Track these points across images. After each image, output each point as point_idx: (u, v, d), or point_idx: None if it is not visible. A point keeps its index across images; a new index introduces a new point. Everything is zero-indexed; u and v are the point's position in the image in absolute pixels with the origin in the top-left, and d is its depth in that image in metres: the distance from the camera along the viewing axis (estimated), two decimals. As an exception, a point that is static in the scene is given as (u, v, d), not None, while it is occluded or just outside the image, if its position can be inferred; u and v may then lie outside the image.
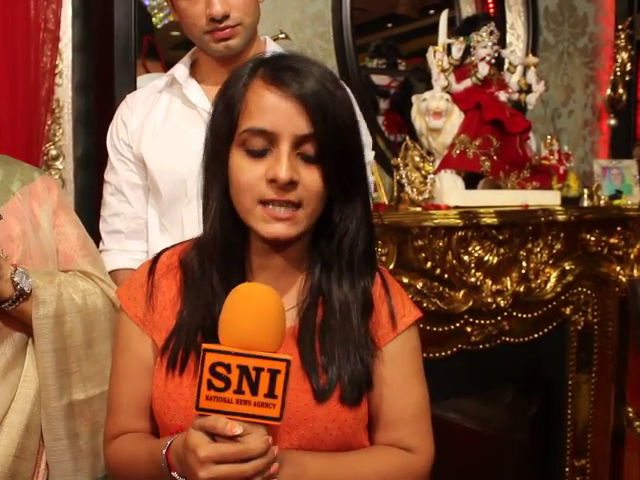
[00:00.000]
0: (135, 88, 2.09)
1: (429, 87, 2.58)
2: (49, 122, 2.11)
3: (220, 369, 0.92)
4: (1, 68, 1.93)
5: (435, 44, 2.55)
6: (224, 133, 1.08)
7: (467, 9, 3.05)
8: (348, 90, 1.14)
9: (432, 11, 3.31)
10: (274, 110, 1.04)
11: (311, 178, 1.05)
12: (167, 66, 2.39)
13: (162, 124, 1.69)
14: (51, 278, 1.28)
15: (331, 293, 1.14)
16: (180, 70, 1.72)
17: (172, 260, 1.19)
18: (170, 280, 1.17)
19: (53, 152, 2.19)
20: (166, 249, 1.23)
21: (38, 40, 2.04)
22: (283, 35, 2.22)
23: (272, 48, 1.69)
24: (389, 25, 3.26)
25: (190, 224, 1.63)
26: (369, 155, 1.65)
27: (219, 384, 0.92)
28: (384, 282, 1.19)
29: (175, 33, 2.58)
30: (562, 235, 2.67)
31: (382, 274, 1.21)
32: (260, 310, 0.94)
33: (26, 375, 1.27)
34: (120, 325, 1.19)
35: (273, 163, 1.04)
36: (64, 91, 2.18)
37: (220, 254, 1.11)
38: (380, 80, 3.04)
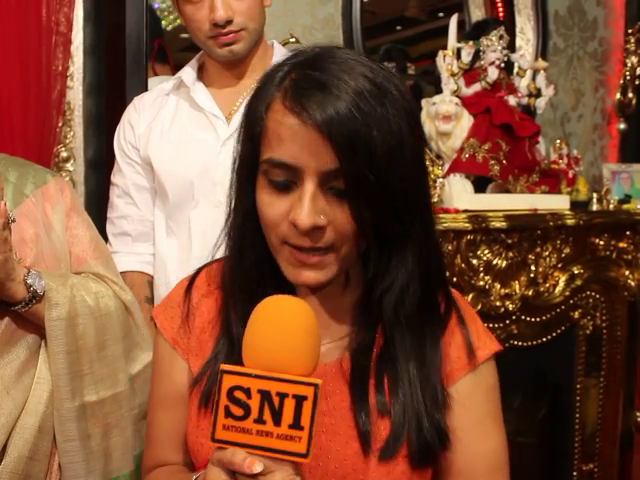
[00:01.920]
0: (146, 91, 2.10)
1: (438, 90, 2.58)
2: (60, 124, 2.13)
3: (239, 394, 0.79)
4: (14, 71, 1.95)
5: (444, 47, 2.55)
6: (248, 159, 0.93)
7: (476, 13, 3.05)
8: (402, 98, 0.89)
9: (441, 14, 3.31)
10: (294, 140, 0.85)
11: (343, 216, 0.87)
12: (175, 69, 2.42)
13: (169, 127, 1.70)
14: (64, 280, 1.28)
15: (391, 324, 0.95)
16: (187, 73, 1.73)
17: (214, 279, 1.05)
18: (210, 300, 1.04)
19: (64, 154, 2.21)
20: (208, 263, 1.09)
21: (50, 43, 2.06)
22: (293, 39, 2.24)
23: (280, 53, 1.70)
24: (398, 28, 3.27)
25: (197, 226, 1.64)
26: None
27: (238, 412, 0.79)
28: (457, 311, 1.00)
29: (184, 35, 2.59)
30: (571, 239, 2.66)
31: (453, 298, 1.02)
32: (286, 324, 0.79)
33: (39, 377, 1.27)
34: (157, 347, 1.09)
35: (296, 203, 0.87)
36: (75, 93, 2.20)
37: (248, 278, 0.97)
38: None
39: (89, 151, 2.25)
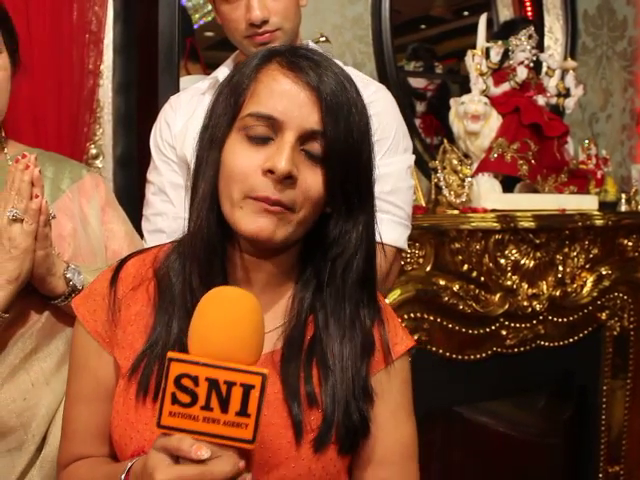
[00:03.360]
0: (178, 89, 2.13)
1: (462, 89, 2.58)
2: (89, 121, 2.15)
3: (186, 382, 0.80)
4: (49, 69, 1.98)
5: (468, 46, 2.56)
6: (226, 116, 0.96)
7: (504, 12, 3.05)
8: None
9: (466, 13, 3.31)
10: (285, 96, 0.92)
11: (312, 179, 0.93)
12: (207, 68, 2.44)
13: (206, 126, 1.72)
14: None
15: (323, 316, 1.00)
16: (223, 73, 1.74)
17: (142, 270, 1.05)
18: (138, 292, 1.04)
19: (93, 151, 2.23)
20: (129, 256, 1.10)
21: (83, 41, 2.08)
22: (324, 38, 2.24)
23: (315, 52, 1.72)
24: (422, 27, 3.27)
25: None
26: (409, 159, 1.65)
27: (185, 399, 0.80)
28: (379, 311, 1.06)
29: (209, 34, 2.62)
30: (599, 240, 2.66)
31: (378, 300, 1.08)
32: (234, 316, 0.82)
33: None
34: (77, 340, 1.07)
35: (273, 153, 0.92)
36: (104, 91, 2.22)
37: (203, 251, 0.97)
38: (417, 83, 3.05)
39: (118, 148, 2.27)
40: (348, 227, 0.99)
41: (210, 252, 0.98)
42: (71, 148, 2.04)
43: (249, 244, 0.98)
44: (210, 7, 2.64)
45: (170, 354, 0.81)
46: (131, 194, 2.15)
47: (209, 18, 2.65)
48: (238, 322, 0.82)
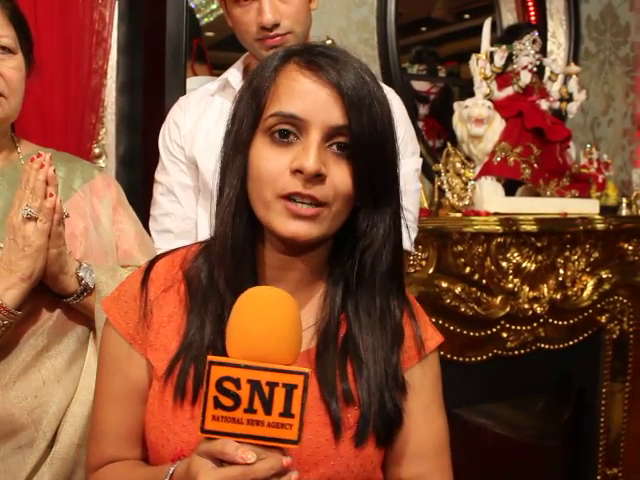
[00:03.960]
0: (185, 90, 2.14)
1: (463, 92, 2.59)
2: (93, 121, 2.16)
3: (228, 385, 0.80)
4: (57, 69, 1.99)
5: (469, 49, 2.57)
6: (249, 120, 0.97)
7: (508, 17, 3.07)
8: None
9: (467, 16, 3.32)
10: (307, 95, 0.93)
11: (340, 175, 0.94)
12: (213, 69, 2.45)
13: (215, 127, 1.72)
14: (113, 273, 1.31)
15: (354, 311, 1.01)
16: (233, 75, 1.75)
17: (172, 272, 1.05)
18: (170, 294, 1.03)
19: (96, 150, 2.23)
20: (158, 257, 1.09)
21: (90, 41, 2.09)
22: (330, 41, 2.25)
23: (324, 55, 1.73)
24: (423, 29, 3.28)
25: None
26: (417, 162, 1.67)
27: (227, 402, 0.80)
28: (408, 304, 1.09)
29: (210, 34, 2.63)
30: (600, 244, 2.67)
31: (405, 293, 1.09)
32: (272, 315, 0.82)
33: (88, 367, 1.31)
34: (108, 342, 1.06)
35: (300, 153, 0.92)
36: (108, 91, 2.22)
37: (231, 254, 0.98)
38: (420, 86, 3.07)
39: (121, 148, 2.28)
40: (376, 219, 0.99)
41: (237, 256, 0.98)
42: (77, 148, 2.05)
43: (283, 243, 0.98)
44: (212, 7, 2.66)
45: (210, 357, 0.81)
46: (134, 194, 2.15)
47: (211, 18, 2.66)
48: (277, 322, 0.82)
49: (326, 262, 1.04)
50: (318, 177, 0.92)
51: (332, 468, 0.98)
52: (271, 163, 0.94)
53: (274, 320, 0.82)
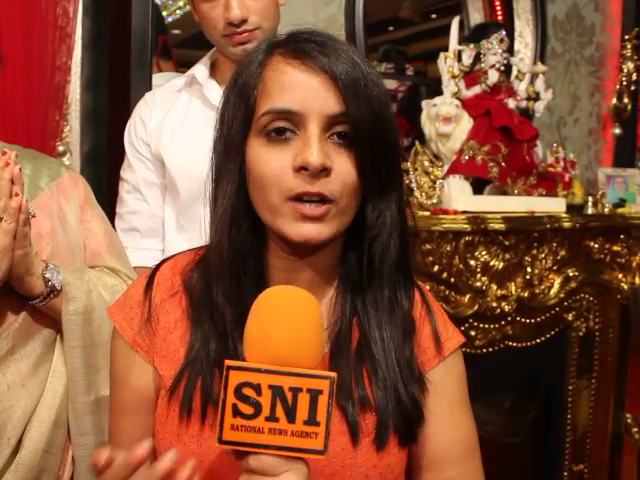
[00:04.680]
0: (150, 87, 2.11)
1: (430, 91, 2.60)
2: (57, 118, 2.12)
3: (248, 391, 0.74)
4: (19, 65, 1.95)
5: (436, 48, 2.58)
6: (239, 122, 0.91)
7: (475, 16, 3.08)
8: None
9: (434, 15, 3.33)
10: (299, 86, 0.87)
11: (345, 166, 0.88)
12: (179, 65, 2.42)
13: (181, 124, 1.71)
14: (81, 275, 1.28)
15: (366, 312, 0.96)
16: (200, 71, 1.74)
17: (175, 279, 1.00)
18: (176, 299, 0.99)
19: (60, 148, 2.20)
20: (164, 260, 1.05)
21: (54, 36, 2.05)
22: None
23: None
24: (391, 28, 3.29)
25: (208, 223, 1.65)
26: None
27: (247, 410, 0.74)
28: (424, 300, 1.03)
29: (176, 31, 2.61)
30: (566, 242, 2.69)
31: (422, 291, 1.04)
32: (296, 316, 0.77)
33: (55, 370, 1.28)
34: (115, 350, 1.02)
35: (300, 149, 0.86)
36: (72, 88, 2.19)
37: (230, 270, 0.92)
38: (388, 84, 3.06)
39: (85, 146, 2.25)
40: (382, 207, 0.93)
41: (236, 268, 0.93)
42: (40, 145, 2.02)
43: (292, 247, 0.93)
44: (178, 4, 2.63)
45: (228, 362, 0.75)
46: (99, 192, 2.11)
47: (177, 16, 2.64)
48: (300, 322, 0.76)
49: (337, 262, 0.98)
50: (324, 171, 0.87)
51: (350, 478, 0.92)
52: (272, 164, 0.88)
53: (297, 321, 0.77)
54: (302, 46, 0.89)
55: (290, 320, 0.76)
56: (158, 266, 1.03)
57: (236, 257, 0.93)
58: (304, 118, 0.87)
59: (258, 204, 0.91)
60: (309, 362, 0.76)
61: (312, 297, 0.79)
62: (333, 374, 0.75)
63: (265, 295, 0.79)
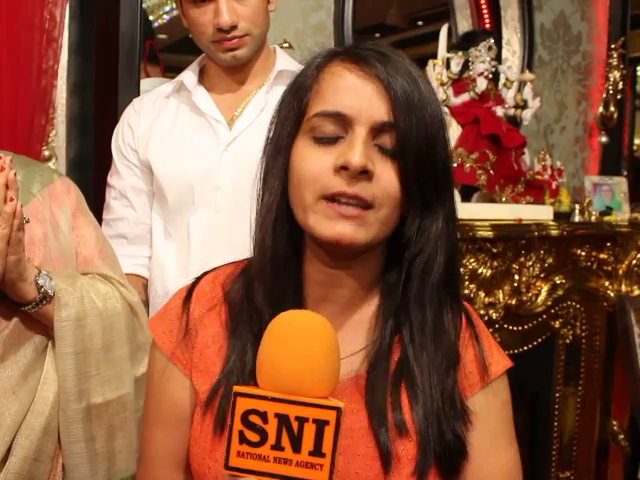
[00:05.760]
0: (138, 92, 2.10)
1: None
2: (43, 122, 2.11)
3: (254, 418, 0.73)
4: (5, 69, 1.93)
5: (423, 55, 2.59)
6: (290, 120, 0.92)
7: (463, 23, 3.09)
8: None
9: (421, 22, 3.34)
10: (352, 91, 0.87)
11: (388, 175, 0.87)
12: (166, 71, 2.41)
13: (170, 130, 1.70)
14: (73, 281, 1.27)
15: (410, 334, 0.92)
16: (189, 77, 1.72)
17: (215, 292, 1.00)
18: (214, 313, 0.98)
19: (46, 153, 2.18)
20: (205, 273, 1.04)
21: (41, 41, 2.04)
22: (287, 45, 2.24)
23: (282, 58, 1.71)
24: (377, 35, 3.29)
25: (196, 231, 1.64)
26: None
27: (253, 437, 0.73)
28: (470, 322, 0.98)
29: (162, 36, 2.60)
30: (554, 250, 2.70)
31: (467, 312, 0.99)
32: (305, 344, 0.75)
33: (46, 377, 1.26)
34: (153, 362, 1.02)
35: (345, 150, 0.86)
36: (59, 92, 2.18)
37: (271, 265, 0.92)
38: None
39: (71, 150, 2.23)
40: (427, 224, 0.90)
41: (277, 268, 0.92)
42: (26, 150, 2.00)
43: (328, 254, 0.91)
44: (165, 9, 2.62)
45: (236, 388, 0.75)
46: (85, 197, 2.10)
47: (164, 21, 2.63)
48: (309, 351, 0.75)
49: (377, 278, 0.95)
50: (364, 174, 0.85)
51: None
52: (314, 163, 0.87)
53: (306, 349, 0.75)
54: (363, 53, 0.90)
55: (300, 348, 0.75)
56: (198, 279, 1.03)
57: (278, 256, 0.92)
58: (353, 121, 0.87)
59: (294, 203, 0.90)
60: (319, 391, 0.75)
61: (326, 323, 0.77)
62: (341, 404, 0.74)
63: (276, 321, 0.78)
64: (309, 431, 0.73)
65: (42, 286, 1.22)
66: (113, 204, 1.74)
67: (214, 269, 1.04)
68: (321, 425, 0.73)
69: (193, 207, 1.64)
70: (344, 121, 0.87)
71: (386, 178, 0.87)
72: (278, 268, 0.92)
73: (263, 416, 0.73)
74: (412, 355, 0.92)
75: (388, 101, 0.87)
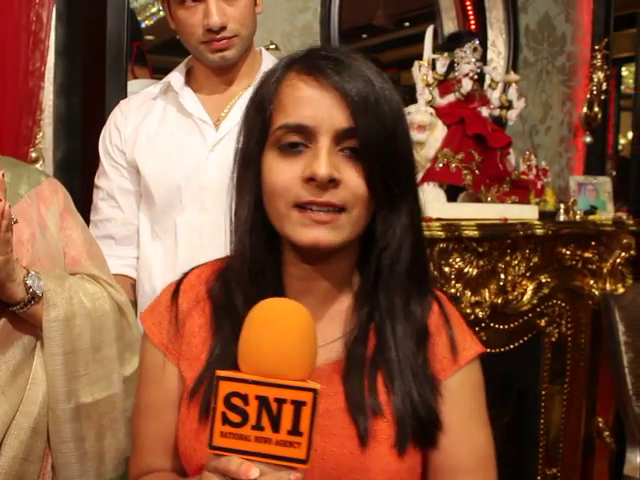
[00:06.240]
0: (125, 93, 2.10)
1: (403, 98, 2.61)
2: (30, 124, 2.11)
3: (236, 400, 0.78)
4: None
5: (409, 56, 2.60)
6: (256, 135, 0.97)
7: (449, 25, 3.11)
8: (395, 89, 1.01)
9: (407, 24, 3.36)
10: (311, 102, 0.92)
11: (354, 179, 0.92)
12: (154, 72, 2.42)
13: (157, 131, 1.70)
14: (62, 282, 1.28)
15: (382, 320, 0.99)
16: (175, 78, 1.73)
17: (200, 287, 1.06)
18: (201, 305, 1.04)
19: (33, 155, 2.18)
20: (192, 269, 1.10)
21: (28, 42, 2.04)
22: (273, 46, 2.25)
23: (268, 59, 1.72)
24: (364, 36, 3.30)
25: (183, 231, 1.65)
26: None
27: (235, 418, 0.78)
28: (442, 310, 1.05)
29: (149, 37, 2.60)
30: (539, 249, 2.72)
31: (440, 301, 1.06)
32: (283, 329, 0.79)
33: (34, 378, 1.27)
34: (144, 353, 1.08)
35: (310, 160, 0.91)
36: (46, 94, 2.17)
37: (249, 276, 0.98)
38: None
39: (58, 152, 2.23)
40: (392, 220, 0.97)
41: (256, 275, 0.98)
42: (13, 151, 2.00)
43: (305, 255, 0.97)
44: (152, 10, 2.63)
45: (218, 372, 0.79)
46: (72, 199, 2.10)
47: (151, 21, 2.63)
48: (286, 335, 0.79)
49: (352, 271, 1.02)
50: (332, 183, 0.91)
51: None
52: (282, 175, 0.93)
53: (283, 334, 0.79)
54: (317, 63, 0.93)
55: (278, 334, 0.79)
56: (186, 274, 1.09)
57: (255, 264, 0.98)
58: (315, 132, 0.92)
59: (270, 213, 0.96)
60: (297, 374, 0.79)
61: (302, 309, 0.81)
62: (317, 386, 0.78)
63: (256, 308, 0.82)
64: (287, 412, 0.78)
65: (30, 286, 1.23)
66: (100, 205, 1.75)
67: (200, 265, 1.10)
68: (298, 406, 0.77)
69: (180, 207, 1.65)
70: (307, 132, 0.92)
71: (353, 181, 0.92)
72: (257, 275, 0.98)
73: (244, 398, 0.78)
74: (384, 340, 0.98)
75: (346, 108, 0.91)
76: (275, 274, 1.00)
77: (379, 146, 0.92)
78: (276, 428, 0.78)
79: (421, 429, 0.96)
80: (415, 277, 1.00)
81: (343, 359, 0.98)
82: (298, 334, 0.80)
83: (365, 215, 0.95)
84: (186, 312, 1.04)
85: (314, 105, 0.92)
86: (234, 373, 0.79)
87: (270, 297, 0.89)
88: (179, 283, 1.07)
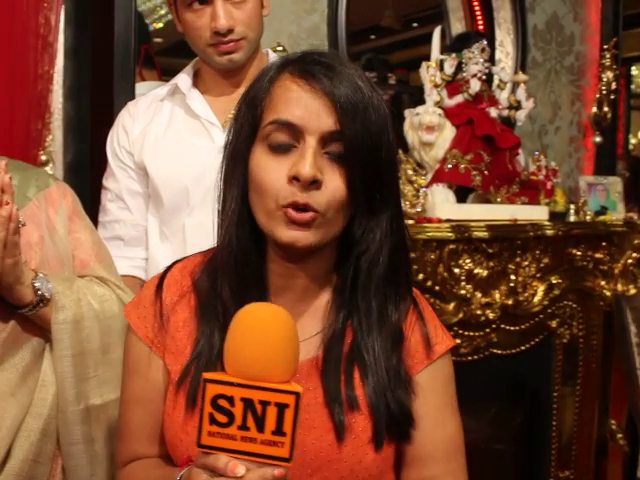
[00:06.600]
0: (134, 96, 2.11)
1: (412, 99, 2.61)
2: (39, 127, 2.11)
3: (223, 402, 0.82)
4: (0, 74, 1.94)
5: (418, 57, 2.59)
6: (246, 130, 1.01)
7: (457, 25, 3.10)
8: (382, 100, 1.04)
9: (416, 24, 3.36)
10: (301, 103, 0.96)
11: (335, 182, 0.96)
12: (162, 74, 2.42)
13: (164, 133, 1.70)
14: (70, 284, 1.28)
15: (359, 319, 1.03)
16: (183, 80, 1.73)
17: (184, 281, 1.09)
18: (184, 300, 1.08)
19: (42, 157, 2.19)
20: (175, 263, 1.14)
21: (36, 45, 2.04)
22: (280, 48, 2.25)
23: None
24: (372, 37, 3.30)
25: (192, 233, 1.65)
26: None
27: (222, 419, 0.82)
28: (416, 307, 1.09)
29: (158, 40, 2.61)
30: (549, 249, 2.71)
31: (414, 298, 1.10)
32: (266, 334, 0.83)
33: (44, 380, 1.27)
34: (129, 346, 1.12)
35: (297, 160, 0.95)
36: (55, 97, 2.19)
37: (235, 266, 1.01)
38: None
39: (68, 155, 2.24)
40: (372, 224, 1.01)
41: (241, 266, 1.02)
42: (22, 154, 2.00)
43: (286, 252, 1.01)
44: (161, 13, 2.63)
45: (205, 375, 0.83)
46: (82, 201, 2.11)
47: (160, 24, 2.63)
48: (269, 341, 0.83)
49: (331, 270, 1.06)
50: (314, 184, 0.94)
51: (335, 472, 1.00)
52: (270, 173, 0.96)
53: (266, 338, 0.83)
54: (310, 67, 0.98)
55: (261, 338, 0.83)
56: (169, 267, 1.13)
57: (241, 255, 1.02)
58: (303, 131, 0.95)
59: (256, 208, 0.99)
60: (280, 377, 0.83)
61: (284, 314, 0.85)
62: (300, 389, 0.82)
63: (240, 313, 0.85)
64: (271, 413, 0.82)
65: (39, 289, 1.24)
66: (109, 206, 1.75)
67: (183, 258, 1.14)
68: (282, 408, 0.82)
69: (188, 209, 1.65)
70: (295, 131, 0.96)
71: (333, 184, 0.96)
72: (242, 265, 1.02)
73: (230, 400, 0.82)
74: (361, 339, 1.03)
75: (334, 112, 0.95)
76: (259, 267, 1.03)
77: (363, 151, 0.96)
78: (261, 428, 0.82)
79: (395, 424, 1.02)
80: (393, 281, 1.04)
81: (321, 355, 1.03)
82: (281, 338, 0.84)
83: (340, 217, 0.99)
84: (170, 307, 1.08)
85: (304, 106, 0.96)
86: (220, 376, 0.83)
87: (254, 294, 0.98)
88: (162, 278, 1.11)
